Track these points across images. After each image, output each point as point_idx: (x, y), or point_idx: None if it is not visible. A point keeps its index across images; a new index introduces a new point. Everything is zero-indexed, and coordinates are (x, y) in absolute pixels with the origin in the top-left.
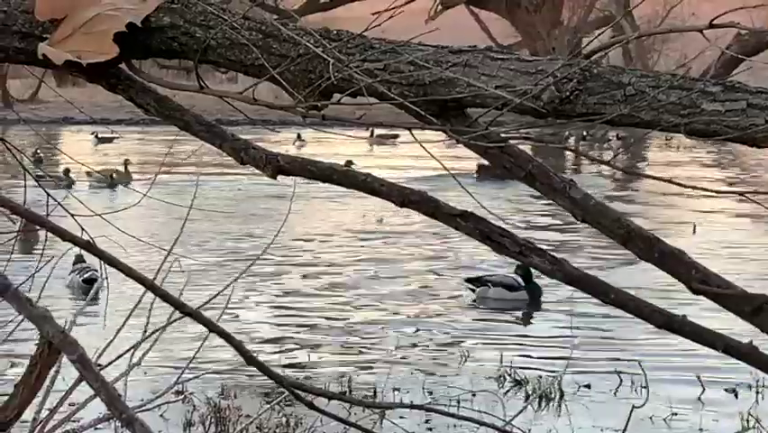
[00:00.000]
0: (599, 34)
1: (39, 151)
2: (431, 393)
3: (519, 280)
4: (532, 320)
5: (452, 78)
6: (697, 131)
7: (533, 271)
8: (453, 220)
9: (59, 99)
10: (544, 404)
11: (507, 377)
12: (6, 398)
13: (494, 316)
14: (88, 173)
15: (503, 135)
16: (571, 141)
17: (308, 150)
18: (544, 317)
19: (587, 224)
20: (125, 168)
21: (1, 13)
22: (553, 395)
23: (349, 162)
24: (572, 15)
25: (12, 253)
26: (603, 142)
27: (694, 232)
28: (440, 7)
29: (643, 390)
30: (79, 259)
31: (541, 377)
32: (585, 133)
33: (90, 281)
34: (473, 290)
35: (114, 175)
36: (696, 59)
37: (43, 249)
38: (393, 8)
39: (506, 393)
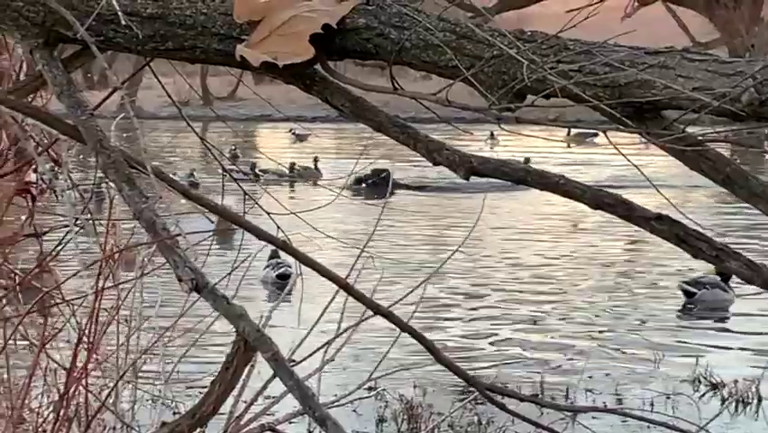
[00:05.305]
0: None
1: (235, 147)
2: (624, 396)
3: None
4: (727, 323)
5: (647, 79)
6: None
7: None
8: (648, 223)
9: (256, 96)
10: (740, 409)
11: (703, 380)
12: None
13: (689, 318)
14: (264, 171)
15: (700, 138)
16: None
17: (501, 148)
18: (740, 319)
19: None
20: (315, 164)
21: (201, 15)
22: (750, 399)
23: (527, 160)
24: None
25: (209, 251)
26: None
27: None
28: (636, 4)
29: None
30: (274, 254)
31: (737, 381)
32: None
33: (284, 277)
34: (692, 294)
35: (297, 169)
36: None
37: (240, 246)
38: (588, 6)
39: (701, 397)
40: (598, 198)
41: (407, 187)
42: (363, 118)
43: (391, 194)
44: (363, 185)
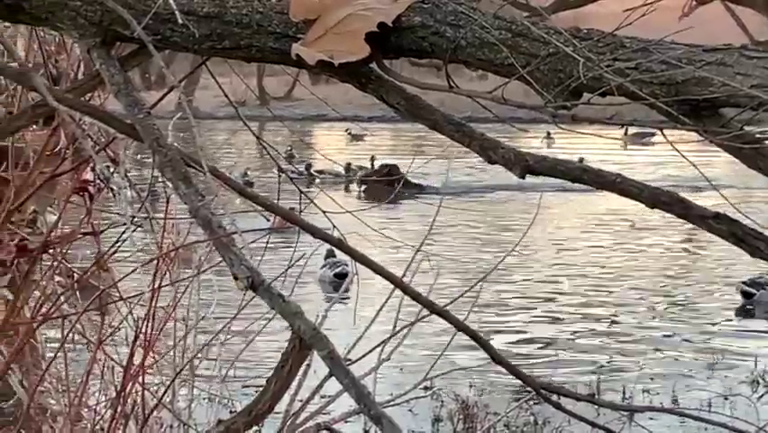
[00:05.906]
0: None
1: (292, 147)
2: (681, 396)
3: None
4: None
5: (705, 77)
6: None
7: None
8: (706, 222)
9: (313, 96)
10: None
11: (761, 381)
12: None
13: (747, 318)
14: (320, 171)
15: (758, 136)
16: None
17: (557, 148)
18: None
19: None
20: (372, 164)
21: (257, 14)
22: None
23: (581, 160)
24: None
25: (265, 249)
26: None
27: None
28: (694, 3)
29: None
30: (330, 253)
31: None
32: None
33: (341, 276)
34: (750, 295)
35: (353, 169)
36: None
37: (296, 245)
38: (644, 5)
39: (759, 398)
40: (655, 197)
41: (421, 187)
42: (419, 117)
43: (400, 193)
44: (364, 186)
